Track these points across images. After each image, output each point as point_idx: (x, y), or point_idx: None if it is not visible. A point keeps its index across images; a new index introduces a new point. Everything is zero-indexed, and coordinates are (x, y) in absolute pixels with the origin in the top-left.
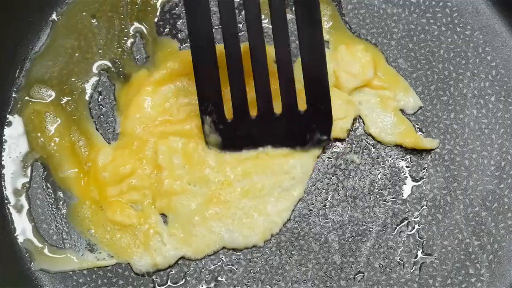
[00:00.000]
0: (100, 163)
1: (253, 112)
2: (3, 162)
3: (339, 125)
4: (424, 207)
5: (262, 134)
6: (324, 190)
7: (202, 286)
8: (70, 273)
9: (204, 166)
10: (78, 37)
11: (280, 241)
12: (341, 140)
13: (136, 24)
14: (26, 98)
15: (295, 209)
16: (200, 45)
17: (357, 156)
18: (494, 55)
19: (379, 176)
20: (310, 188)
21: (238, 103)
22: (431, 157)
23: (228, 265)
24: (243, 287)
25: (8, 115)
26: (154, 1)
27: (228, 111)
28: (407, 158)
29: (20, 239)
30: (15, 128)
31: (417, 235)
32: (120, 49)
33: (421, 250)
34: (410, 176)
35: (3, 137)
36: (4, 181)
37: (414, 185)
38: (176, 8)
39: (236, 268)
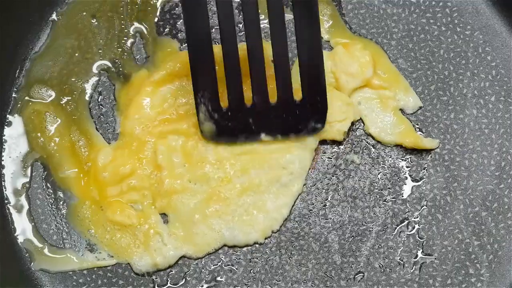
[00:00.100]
0: (100, 163)
1: (248, 101)
2: (3, 162)
3: (337, 128)
4: (424, 207)
5: (256, 122)
6: (324, 190)
7: (202, 286)
8: (70, 273)
9: (204, 163)
10: (78, 37)
11: (280, 241)
12: (338, 142)
13: (136, 24)
14: (26, 98)
15: (295, 209)
16: (195, 34)
17: (357, 156)
18: (494, 55)
19: (379, 176)
20: (310, 188)
21: (233, 91)
22: (431, 157)
23: (228, 265)
24: (243, 287)
25: (8, 115)
26: (154, 1)
27: (223, 100)
28: (407, 158)
29: (20, 239)
30: (15, 128)
31: (417, 235)
32: (120, 49)
33: (421, 250)
34: (410, 176)
35: (3, 137)
36: (4, 181)
37: (414, 185)
38: (176, 8)
39: (236, 268)
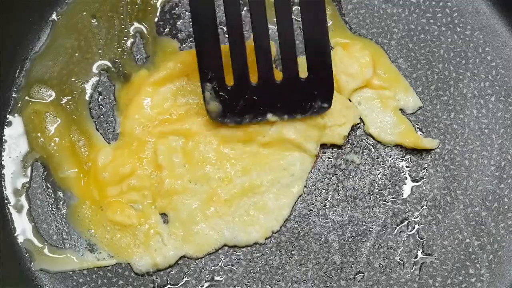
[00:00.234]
0: (100, 163)
1: (254, 79)
2: (3, 162)
3: (337, 132)
4: (424, 207)
5: (262, 101)
6: (324, 190)
7: (202, 286)
8: (70, 273)
9: (205, 164)
10: (78, 37)
11: (280, 241)
12: (338, 146)
13: (136, 24)
14: (26, 98)
15: (295, 209)
16: (200, 11)
17: (357, 156)
18: (494, 55)
19: (379, 176)
20: (310, 188)
21: (239, 69)
22: (431, 157)
23: (228, 265)
24: (243, 287)
25: (8, 115)
26: (154, 1)
27: (229, 79)
28: (407, 158)
29: (20, 239)
30: (15, 128)
31: (417, 235)
32: (120, 49)
33: (421, 250)
34: (410, 176)
35: (3, 137)
36: (4, 181)
37: (414, 185)
38: (176, 8)
39: (236, 268)
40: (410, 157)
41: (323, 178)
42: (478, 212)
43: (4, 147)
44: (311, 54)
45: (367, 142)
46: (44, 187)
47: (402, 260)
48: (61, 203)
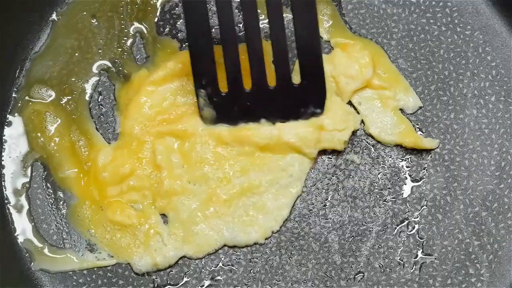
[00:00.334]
0: (100, 163)
1: (248, 85)
2: (3, 162)
3: (337, 137)
4: (424, 207)
5: (256, 107)
6: (324, 190)
7: (202, 286)
8: (70, 273)
9: (203, 164)
10: (78, 37)
11: (280, 241)
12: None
13: (136, 24)
14: (26, 98)
15: (295, 209)
16: (194, 19)
17: (357, 156)
18: (494, 55)
19: (379, 176)
20: (310, 188)
21: (232, 76)
22: (431, 157)
23: (228, 265)
24: (243, 287)
25: (8, 115)
26: (154, 1)
27: (223, 85)
28: (407, 158)
29: (20, 239)
30: (15, 128)
31: (417, 235)
32: (120, 49)
33: (421, 250)
34: (410, 176)
35: (3, 137)
36: (4, 181)
37: (414, 185)
38: (176, 8)
39: (236, 268)
40: (410, 157)
41: (323, 178)
42: (478, 212)
43: (4, 147)
44: (303, 60)
45: (367, 142)
46: (44, 187)
47: (402, 260)
48: (61, 203)
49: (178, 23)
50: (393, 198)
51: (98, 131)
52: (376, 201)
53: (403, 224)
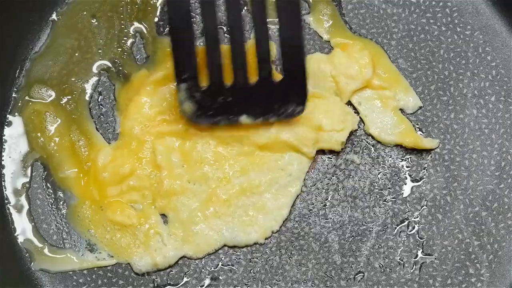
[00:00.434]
0: (100, 163)
1: (229, 81)
2: (3, 162)
3: (335, 138)
4: (424, 207)
5: (236, 103)
6: (324, 190)
7: (202, 286)
8: (70, 273)
9: (203, 164)
10: (78, 37)
11: (280, 241)
12: (336, 152)
13: (136, 24)
14: (26, 98)
15: (295, 209)
16: (177, 13)
17: (357, 156)
18: (494, 55)
19: (379, 176)
20: (310, 188)
21: (214, 71)
22: (431, 157)
23: (228, 265)
24: (243, 287)
25: (8, 115)
26: (154, 1)
27: (204, 80)
28: (407, 158)
29: (20, 239)
30: (15, 128)
31: (417, 235)
32: (120, 49)
33: (421, 250)
34: (410, 176)
35: (3, 137)
36: (4, 181)
37: (414, 185)
38: None
39: (236, 268)
40: (410, 157)
41: (323, 178)
42: (478, 212)
43: (4, 147)
44: (286, 58)
45: (367, 142)
46: (44, 187)
47: (402, 260)
48: (61, 203)
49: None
50: (393, 198)
51: (98, 131)
52: (376, 201)
53: (403, 224)
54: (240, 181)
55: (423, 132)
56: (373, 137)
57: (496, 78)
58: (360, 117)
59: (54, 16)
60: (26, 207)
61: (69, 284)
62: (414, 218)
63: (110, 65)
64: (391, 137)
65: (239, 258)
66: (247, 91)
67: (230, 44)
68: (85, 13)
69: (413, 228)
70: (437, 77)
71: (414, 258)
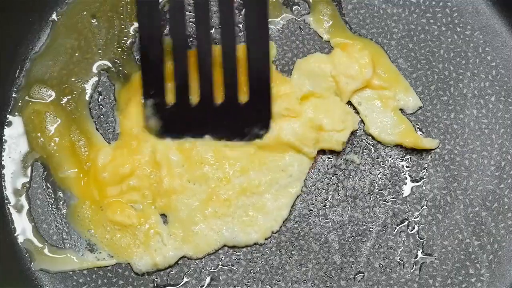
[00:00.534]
0: (99, 163)
1: (195, 100)
2: (3, 162)
3: (335, 138)
4: (424, 207)
5: (201, 122)
6: (324, 190)
7: (202, 286)
8: (70, 273)
9: (203, 164)
10: (78, 37)
11: (280, 241)
12: (336, 152)
13: (136, 24)
14: (26, 98)
15: (295, 209)
16: (148, 31)
17: (357, 156)
18: (494, 55)
19: (379, 176)
20: (310, 188)
21: (180, 88)
22: (431, 157)
23: (228, 265)
24: (243, 287)
25: (8, 115)
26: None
27: (170, 97)
28: (407, 158)
29: (20, 239)
30: (15, 128)
31: (417, 235)
32: (120, 49)
33: (421, 250)
34: (410, 176)
35: (3, 137)
36: (4, 181)
37: (414, 185)
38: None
39: (236, 268)
40: (410, 157)
41: (323, 178)
42: (478, 212)
43: (4, 147)
44: (252, 81)
45: (367, 142)
46: (44, 187)
47: (402, 260)
48: (61, 203)
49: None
50: (393, 198)
51: (98, 131)
52: (376, 201)
53: (403, 224)
54: (240, 181)
55: (423, 132)
56: (373, 137)
57: (496, 78)
58: (360, 117)
59: (54, 16)
60: (26, 207)
61: (69, 284)
62: (414, 218)
63: (110, 65)
64: (391, 137)
65: (239, 258)
66: (212, 111)
67: (198, 64)
68: (85, 13)
69: (413, 228)
70: (437, 77)
71: (414, 258)
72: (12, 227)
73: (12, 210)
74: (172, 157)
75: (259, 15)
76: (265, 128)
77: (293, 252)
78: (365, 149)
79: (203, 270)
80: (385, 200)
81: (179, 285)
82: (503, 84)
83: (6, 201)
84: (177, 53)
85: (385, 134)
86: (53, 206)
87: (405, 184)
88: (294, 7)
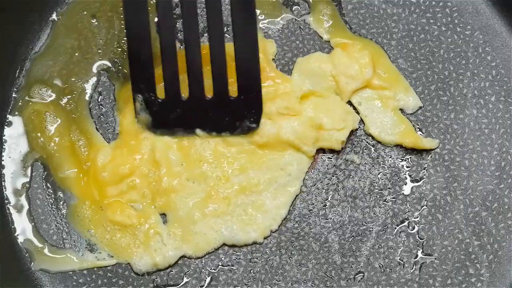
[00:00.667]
0: (99, 162)
1: (185, 94)
2: (3, 162)
3: (335, 137)
4: (424, 207)
5: (192, 116)
6: (324, 190)
7: (202, 286)
8: (70, 273)
9: (202, 162)
10: (78, 37)
11: (280, 241)
12: (336, 151)
13: None
14: (26, 98)
15: (295, 209)
16: (135, 25)
17: (357, 156)
18: (494, 55)
19: (379, 176)
20: (310, 188)
21: (170, 83)
22: (431, 157)
23: (228, 265)
24: (243, 287)
25: (8, 115)
26: (154, 1)
27: (160, 92)
28: (407, 158)
29: (20, 239)
30: (15, 128)
31: (417, 235)
32: (120, 49)
33: (421, 250)
34: (410, 176)
35: (3, 137)
36: (4, 181)
37: (414, 185)
38: (176, 8)
39: (236, 268)
40: (410, 157)
41: (323, 178)
42: (478, 212)
43: (4, 147)
44: (241, 75)
45: (367, 142)
46: (44, 187)
47: (402, 260)
48: (61, 203)
49: (178, 23)
50: (393, 198)
51: (98, 131)
52: (376, 201)
53: (403, 224)
54: (239, 179)
55: (423, 132)
56: (373, 137)
57: (496, 78)
58: (360, 117)
59: (54, 16)
60: (26, 207)
61: (69, 284)
62: (414, 218)
63: (110, 65)
64: (391, 137)
65: (239, 258)
66: (203, 106)
67: (186, 58)
68: (85, 13)
69: (413, 228)
70: (437, 77)
71: (414, 258)
72: (12, 227)
73: (12, 210)
74: (171, 155)
75: (245, 10)
76: (256, 121)
77: (293, 252)
78: (365, 149)
79: (203, 270)
80: (385, 200)
81: (179, 285)
82: (503, 84)
83: (6, 201)
84: (165, 48)
85: (385, 134)
86: (53, 206)
87: (405, 184)
88: (294, 7)
